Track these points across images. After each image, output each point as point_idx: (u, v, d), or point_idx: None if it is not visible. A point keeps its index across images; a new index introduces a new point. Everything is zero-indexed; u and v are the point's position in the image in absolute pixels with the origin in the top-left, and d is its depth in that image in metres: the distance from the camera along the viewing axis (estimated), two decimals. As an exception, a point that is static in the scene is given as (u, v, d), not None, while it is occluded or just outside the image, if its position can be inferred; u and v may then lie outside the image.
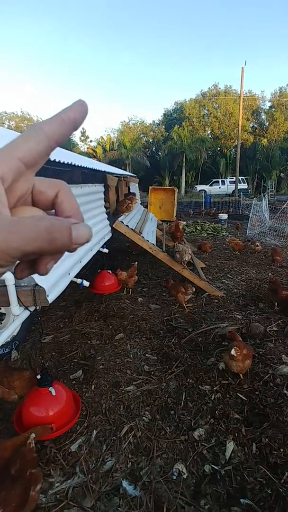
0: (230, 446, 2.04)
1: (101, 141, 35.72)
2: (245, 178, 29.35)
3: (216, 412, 2.33)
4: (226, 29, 74.07)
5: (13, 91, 75.90)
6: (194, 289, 4.08)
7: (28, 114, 42.77)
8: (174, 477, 1.86)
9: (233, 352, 2.45)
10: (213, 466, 1.91)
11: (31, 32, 76.83)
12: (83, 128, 44.68)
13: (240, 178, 27.09)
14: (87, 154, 29.74)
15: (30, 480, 1.54)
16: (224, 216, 11.70)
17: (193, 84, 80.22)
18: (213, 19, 73.93)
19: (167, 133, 35.96)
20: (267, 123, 37.24)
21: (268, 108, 38.09)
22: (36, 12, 74.05)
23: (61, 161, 2.14)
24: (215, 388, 2.57)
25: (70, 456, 2.00)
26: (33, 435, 1.73)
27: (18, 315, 1.89)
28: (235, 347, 2.48)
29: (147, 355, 3.09)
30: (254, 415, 2.29)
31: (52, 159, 1.95)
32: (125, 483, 1.82)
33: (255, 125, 38.18)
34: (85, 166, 2.87)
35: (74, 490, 1.80)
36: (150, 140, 39.76)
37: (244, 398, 2.46)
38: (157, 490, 1.78)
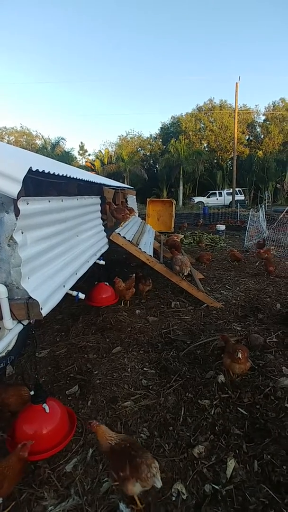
0: (231, 464, 1.96)
1: (99, 154, 36.17)
2: (242, 190, 29.62)
3: (216, 427, 2.26)
4: (220, 45, 76.38)
5: (13, 106, 77.22)
6: (150, 282, 4.69)
7: (27, 129, 43.45)
8: (173, 498, 1.78)
9: (239, 355, 2.53)
10: (213, 485, 1.84)
11: (24, 43, 78.86)
12: (81, 142, 45.42)
13: (237, 189, 27.35)
14: (85, 168, 30.10)
15: None
16: (222, 227, 11.72)
17: (189, 99, 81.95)
18: (208, 36, 76.34)
19: (164, 146, 36.52)
20: (262, 136, 37.91)
21: (262, 121, 38.87)
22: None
23: (56, 173, 2.14)
24: (214, 403, 2.50)
25: (65, 476, 1.92)
26: None
27: (11, 329, 1.85)
28: (240, 350, 2.56)
29: (145, 368, 3.02)
30: (255, 431, 2.22)
31: (46, 171, 1.95)
32: (122, 506, 1.73)
33: (251, 138, 38.85)
34: (80, 178, 2.87)
35: (69, 513, 1.72)
36: (148, 153, 40.30)
37: (244, 412, 2.39)
38: (155, 512, 1.70)
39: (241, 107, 34.75)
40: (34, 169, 1.76)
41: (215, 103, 38.39)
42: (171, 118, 40.14)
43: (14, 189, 1.63)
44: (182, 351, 3.27)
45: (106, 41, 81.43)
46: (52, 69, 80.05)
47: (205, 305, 4.49)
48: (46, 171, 1.94)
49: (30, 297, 1.84)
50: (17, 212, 1.76)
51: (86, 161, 38.20)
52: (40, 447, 1.92)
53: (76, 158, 39.85)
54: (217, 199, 28.74)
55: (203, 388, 2.68)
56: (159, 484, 1.61)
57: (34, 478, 1.90)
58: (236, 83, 24.45)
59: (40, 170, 1.85)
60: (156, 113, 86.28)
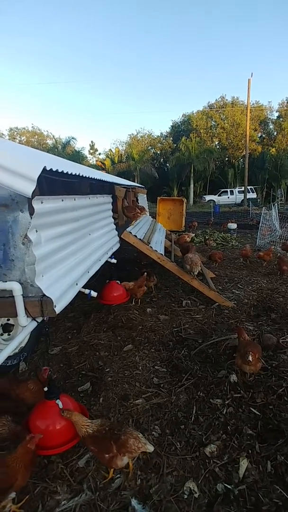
0: (244, 464, 1.95)
1: (109, 153, 36.29)
2: (254, 188, 29.23)
3: (228, 427, 2.25)
4: (232, 42, 75.34)
5: (23, 106, 78.25)
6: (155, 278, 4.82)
7: (38, 129, 43.96)
8: (185, 496, 1.78)
9: (250, 358, 2.50)
10: (226, 485, 1.83)
11: (35, 45, 79.68)
12: (92, 141, 45.61)
13: (248, 187, 26.99)
14: (96, 167, 30.20)
15: None
16: (233, 225, 11.61)
17: (201, 96, 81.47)
18: (220, 32, 75.42)
19: (175, 145, 36.30)
20: (275, 133, 37.26)
21: (275, 118, 38.20)
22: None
23: (69, 172, 2.16)
24: (227, 402, 2.49)
25: (77, 472, 1.95)
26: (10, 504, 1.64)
27: (25, 326, 1.88)
28: (250, 353, 2.51)
29: (156, 367, 3.03)
30: (268, 431, 2.20)
31: (60, 171, 1.97)
32: (134, 502, 1.75)
33: (263, 135, 38.25)
34: (92, 177, 2.89)
35: (82, 508, 1.74)
36: (158, 152, 40.20)
37: (257, 412, 2.37)
38: (167, 510, 1.71)
39: (253, 104, 34.27)
40: (48, 168, 1.78)
41: (227, 100, 37.93)
42: (182, 116, 39.89)
43: (28, 188, 1.66)
44: (194, 350, 3.26)
45: (116, 39, 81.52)
46: (62, 69, 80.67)
47: (217, 304, 4.46)
48: (59, 170, 1.96)
49: (44, 295, 1.86)
50: (31, 211, 1.79)
51: (96, 160, 38.38)
52: (53, 442, 1.96)
53: (86, 157, 40.08)
54: (228, 197, 28.45)
55: (215, 387, 2.67)
56: (151, 448, 1.83)
57: (48, 472, 1.93)
58: (249, 79, 24.08)
59: (54, 169, 1.87)
60: (167, 111, 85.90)
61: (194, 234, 9.67)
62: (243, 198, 26.29)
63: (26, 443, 1.72)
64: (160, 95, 78.72)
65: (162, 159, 39.75)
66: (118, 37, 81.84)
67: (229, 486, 1.82)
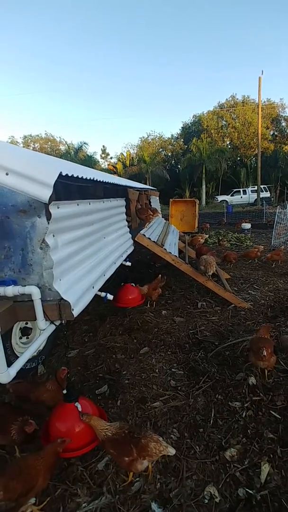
0: (265, 468, 1.91)
1: (121, 157, 36.56)
2: (267, 187, 28.77)
3: (248, 431, 2.21)
4: (242, 38, 74.66)
5: (36, 113, 79.95)
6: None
7: (51, 136, 44.77)
8: (206, 501, 1.76)
9: (264, 353, 2.52)
10: (247, 490, 1.80)
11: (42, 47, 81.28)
12: (103, 146, 46.08)
13: (262, 186, 26.59)
14: (107, 171, 30.49)
15: None
16: (247, 225, 11.44)
17: (211, 97, 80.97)
18: (229, 30, 74.89)
19: (186, 146, 36.22)
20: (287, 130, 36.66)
21: (288, 115, 37.57)
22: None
23: (84, 177, 2.19)
24: (246, 405, 2.45)
25: (97, 475, 1.95)
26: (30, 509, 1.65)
27: (44, 329, 1.91)
28: (263, 348, 2.55)
29: (173, 369, 3.01)
30: (290, 435, 2.14)
31: (75, 176, 2.00)
32: (154, 506, 1.74)
33: (275, 133, 37.66)
34: (106, 181, 2.92)
35: (102, 511, 1.74)
36: (169, 154, 40.19)
37: (278, 416, 2.32)
38: (188, 515, 1.69)
39: (264, 101, 33.82)
40: (64, 173, 1.81)
41: (237, 99, 37.60)
42: (193, 117, 39.79)
43: (45, 194, 1.69)
44: (211, 352, 3.23)
45: (123, 40, 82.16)
46: (69, 74, 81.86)
47: (233, 305, 4.41)
48: (75, 176, 1.99)
49: (62, 298, 1.89)
50: (48, 216, 1.82)
51: (108, 164, 38.72)
52: (73, 445, 1.96)
53: (98, 161, 40.51)
54: (241, 197, 28.10)
55: (233, 390, 2.63)
56: (173, 451, 1.80)
57: (68, 475, 1.95)
58: (259, 77, 23.78)
59: (70, 175, 1.90)
60: (177, 112, 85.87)
61: (207, 235, 9.60)
62: (256, 197, 25.92)
63: (56, 446, 1.74)
64: (170, 96, 78.82)
65: (173, 161, 39.72)
66: (124, 38, 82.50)
67: (250, 491, 1.78)
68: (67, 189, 2.29)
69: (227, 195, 29.04)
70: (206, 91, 74.87)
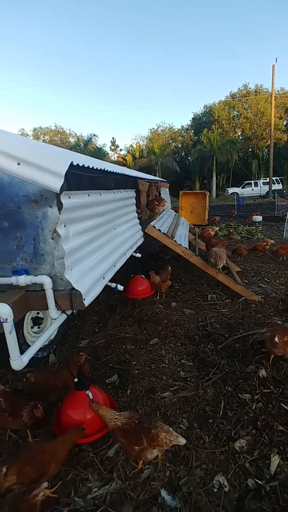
0: (275, 460, 1.91)
1: (130, 149, 36.26)
2: (280, 179, 28.17)
3: (258, 422, 2.21)
4: (255, 26, 72.38)
5: (46, 106, 79.78)
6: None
7: (61, 128, 44.67)
8: (215, 490, 1.78)
9: (276, 339, 2.58)
10: (256, 480, 1.80)
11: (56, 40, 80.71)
12: (113, 138, 45.79)
13: (274, 178, 26.05)
14: (117, 163, 30.31)
15: None
16: (258, 218, 11.27)
17: (222, 86, 79.15)
18: (240, 18, 72.72)
19: (196, 137, 35.64)
20: (302, 120, 35.67)
21: (302, 104, 36.46)
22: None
23: (95, 167, 2.18)
24: (256, 397, 2.44)
25: (107, 461, 1.99)
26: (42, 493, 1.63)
27: (55, 318, 1.94)
28: (277, 335, 2.60)
29: (182, 360, 3.02)
30: (300, 428, 2.13)
31: (86, 166, 1.99)
32: (163, 492, 1.77)
33: (289, 123, 36.71)
34: (116, 172, 2.91)
35: (112, 496, 1.78)
36: (179, 145, 39.66)
37: (288, 408, 2.31)
38: (197, 502, 1.71)
39: (278, 90, 32.86)
40: (75, 163, 1.80)
41: (250, 88, 36.62)
42: (203, 108, 38.99)
43: (56, 183, 1.69)
44: (220, 344, 3.22)
45: (134, 31, 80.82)
46: (79, 65, 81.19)
47: (243, 298, 4.37)
48: (85, 166, 1.99)
49: (73, 288, 1.91)
50: (60, 206, 1.83)
51: (118, 156, 38.49)
52: (84, 432, 2.01)
53: (108, 153, 40.33)
54: (252, 189, 27.60)
55: (243, 382, 2.63)
56: (183, 440, 1.81)
57: (79, 460, 1.99)
58: (273, 65, 23.07)
59: (81, 165, 1.90)
60: (188, 103, 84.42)
61: (218, 228, 9.50)
62: (268, 189, 25.43)
63: (74, 433, 1.77)
64: (180, 87, 77.44)
65: (183, 153, 39.19)
66: (135, 28, 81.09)
67: (260, 482, 1.79)
68: (78, 180, 2.28)
69: (238, 187, 28.58)
70: (218, 80, 73.06)
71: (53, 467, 1.72)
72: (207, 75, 75.16)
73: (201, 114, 39.27)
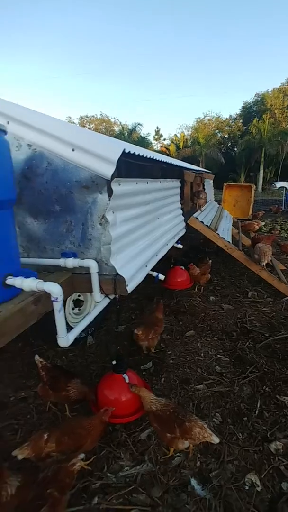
0: (313, 467, 1.83)
1: (174, 139, 35.70)
2: None
3: (297, 427, 2.12)
4: None
5: (93, 95, 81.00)
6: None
7: (106, 116, 45.20)
8: (247, 487, 1.75)
9: None
10: (292, 485, 1.74)
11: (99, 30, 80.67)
12: (157, 127, 45.36)
13: None
14: (160, 152, 30.03)
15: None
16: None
17: (277, 72, 74.04)
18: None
19: (245, 128, 34.05)
20: None
21: None
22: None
23: (145, 156, 2.19)
24: (295, 401, 2.34)
25: (140, 443, 2.04)
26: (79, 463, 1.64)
27: (99, 301, 2.00)
28: None
29: (218, 355, 2.98)
30: None
31: (137, 154, 2.00)
32: (193, 482, 1.78)
33: None
34: (164, 161, 2.88)
35: (143, 477, 1.83)
36: (226, 136, 38.23)
37: None
38: (227, 497, 1.70)
39: None
40: (126, 151, 1.82)
41: (308, 74, 33.96)
42: (255, 96, 37.02)
43: (108, 170, 1.72)
44: (260, 343, 3.12)
45: (182, 18, 78.07)
46: (129, 54, 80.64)
47: (287, 298, 4.16)
48: (136, 153, 1.99)
49: (117, 274, 1.95)
50: (109, 193, 1.86)
51: (161, 146, 38.14)
52: (118, 412, 2.08)
53: (151, 143, 40.11)
54: (303, 184, 25.87)
55: (282, 384, 2.53)
56: (217, 439, 1.78)
57: (112, 439, 2.07)
58: None
59: (132, 152, 1.91)
60: (238, 91, 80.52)
61: (263, 223, 9.09)
62: None
63: (101, 415, 1.86)
64: (231, 74, 73.91)
65: (229, 143, 37.75)
66: (185, 15, 78.26)
67: (295, 487, 1.73)
68: (127, 167, 2.30)
69: (287, 181, 26.93)
70: (272, 65, 68.52)
71: (89, 442, 1.81)
72: (261, 59, 70.65)
73: (252, 102, 37.36)
